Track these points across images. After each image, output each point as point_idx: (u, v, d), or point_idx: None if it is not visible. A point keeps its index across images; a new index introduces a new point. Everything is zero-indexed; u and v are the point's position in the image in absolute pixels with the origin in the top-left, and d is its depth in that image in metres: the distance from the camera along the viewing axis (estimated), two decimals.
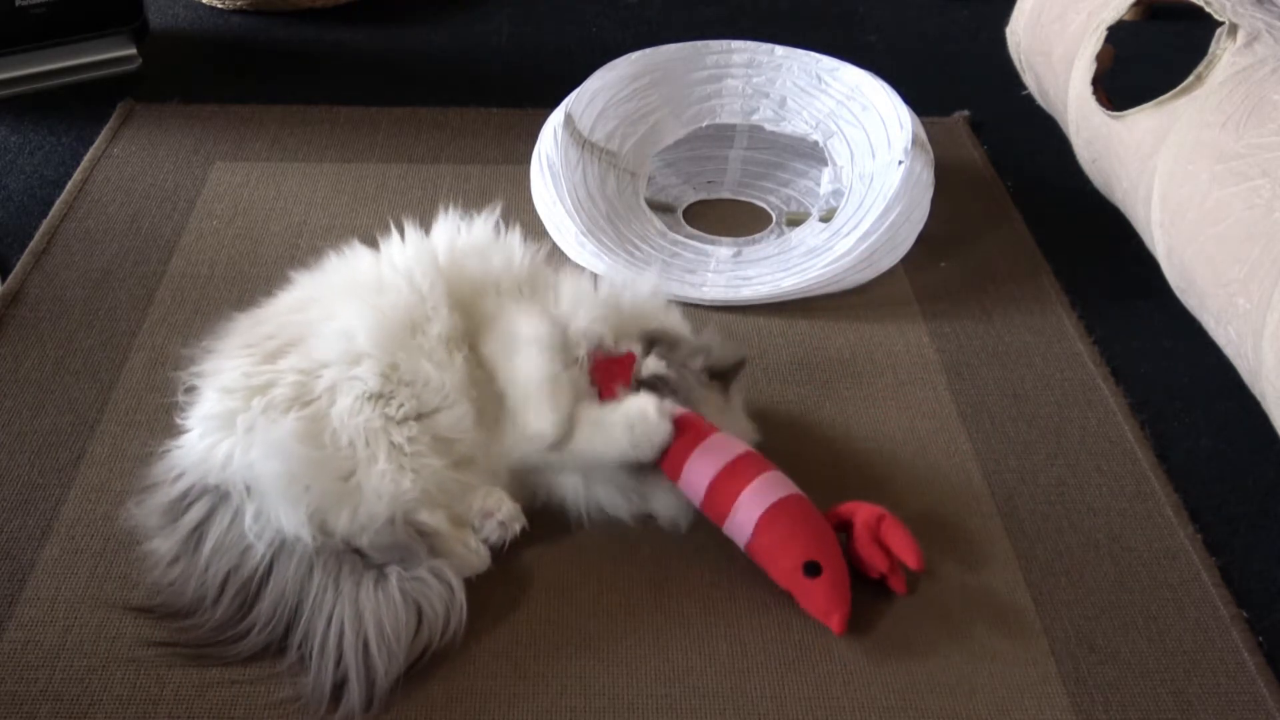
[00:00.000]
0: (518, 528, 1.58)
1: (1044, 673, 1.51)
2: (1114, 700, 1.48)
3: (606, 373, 1.66)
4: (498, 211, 1.79)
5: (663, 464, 1.60)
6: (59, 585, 1.56)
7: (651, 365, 1.68)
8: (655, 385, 1.65)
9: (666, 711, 1.44)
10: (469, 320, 1.66)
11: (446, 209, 1.79)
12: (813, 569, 1.50)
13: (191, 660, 1.46)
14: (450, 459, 1.56)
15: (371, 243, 1.76)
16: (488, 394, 1.62)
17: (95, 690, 1.44)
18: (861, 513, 1.57)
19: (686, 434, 1.60)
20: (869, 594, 1.55)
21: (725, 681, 1.48)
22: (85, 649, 1.48)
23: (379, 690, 1.41)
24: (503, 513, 1.57)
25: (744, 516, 1.55)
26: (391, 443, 1.52)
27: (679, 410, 1.62)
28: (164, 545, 1.53)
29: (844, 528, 1.58)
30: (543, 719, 1.43)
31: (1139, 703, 1.48)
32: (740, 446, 1.60)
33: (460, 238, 1.74)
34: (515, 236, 1.77)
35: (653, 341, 1.71)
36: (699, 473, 1.58)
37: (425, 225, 1.77)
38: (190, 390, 1.61)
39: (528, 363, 1.60)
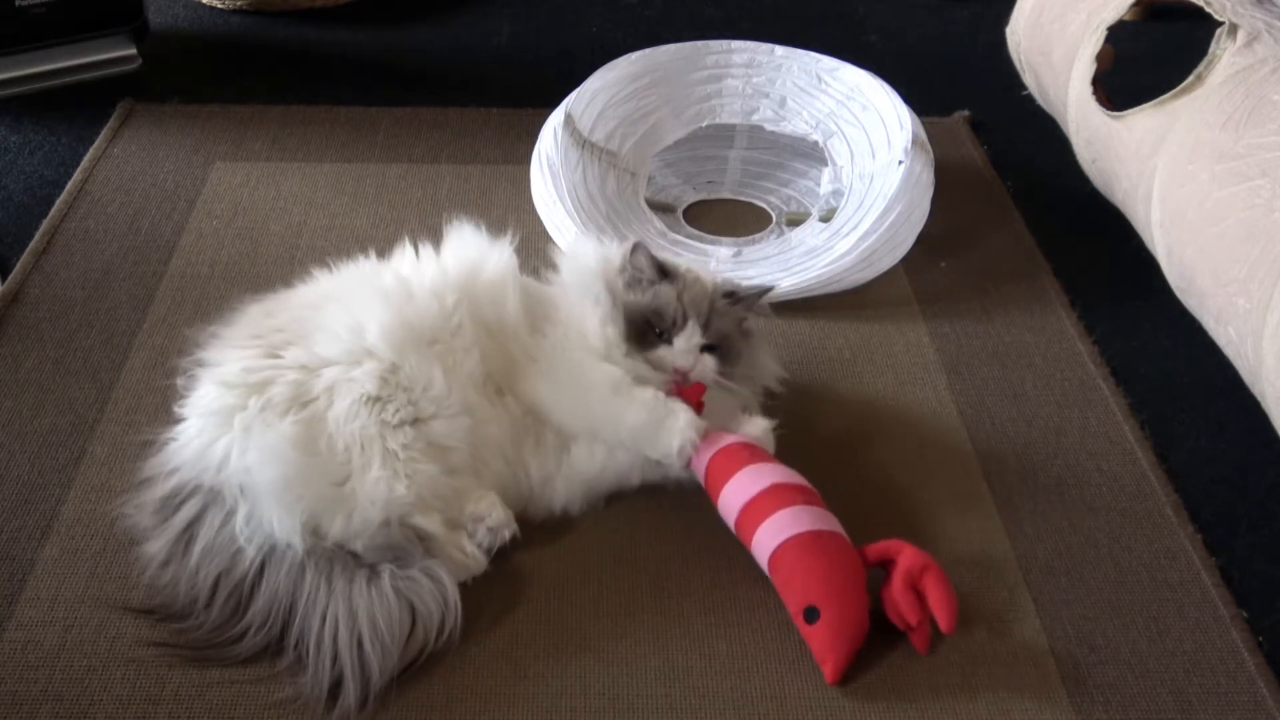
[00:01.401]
0: (507, 534, 1.58)
1: (1044, 673, 1.51)
2: (1114, 700, 1.48)
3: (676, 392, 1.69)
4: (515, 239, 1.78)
5: (707, 487, 1.62)
6: (59, 585, 1.56)
7: (711, 368, 1.70)
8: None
9: (666, 711, 1.44)
10: (492, 348, 1.67)
11: (509, 235, 1.77)
12: (811, 615, 1.48)
13: (191, 661, 1.46)
14: (444, 465, 1.56)
15: (371, 242, 1.76)
16: (512, 422, 1.65)
17: (95, 690, 1.44)
18: (906, 556, 1.51)
19: (726, 462, 1.61)
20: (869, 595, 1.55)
21: (725, 681, 1.48)
22: (85, 649, 1.48)
23: (374, 688, 1.41)
24: (492, 519, 1.57)
25: (759, 553, 1.56)
26: (386, 448, 1.52)
27: (730, 439, 1.64)
28: (154, 547, 1.53)
29: (885, 566, 1.54)
30: (542, 719, 1.43)
31: (1139, 703, 1.48)
32: (773, 477, 1.58)
33: (486, 271, 1.71)
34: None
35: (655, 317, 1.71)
36: (729, 504, 1.59)
37: (436, 230, 1.76)
38: (190, 377, 1.61)
39: (629, 407, 1.63)
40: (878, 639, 1.52)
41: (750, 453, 1.62)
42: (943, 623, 1.47)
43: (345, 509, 1.49)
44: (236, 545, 1.49)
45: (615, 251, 1.78)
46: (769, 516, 1.54)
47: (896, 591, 1.50)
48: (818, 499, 1.58)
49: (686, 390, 1.69)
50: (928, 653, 1.51)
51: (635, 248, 1.73)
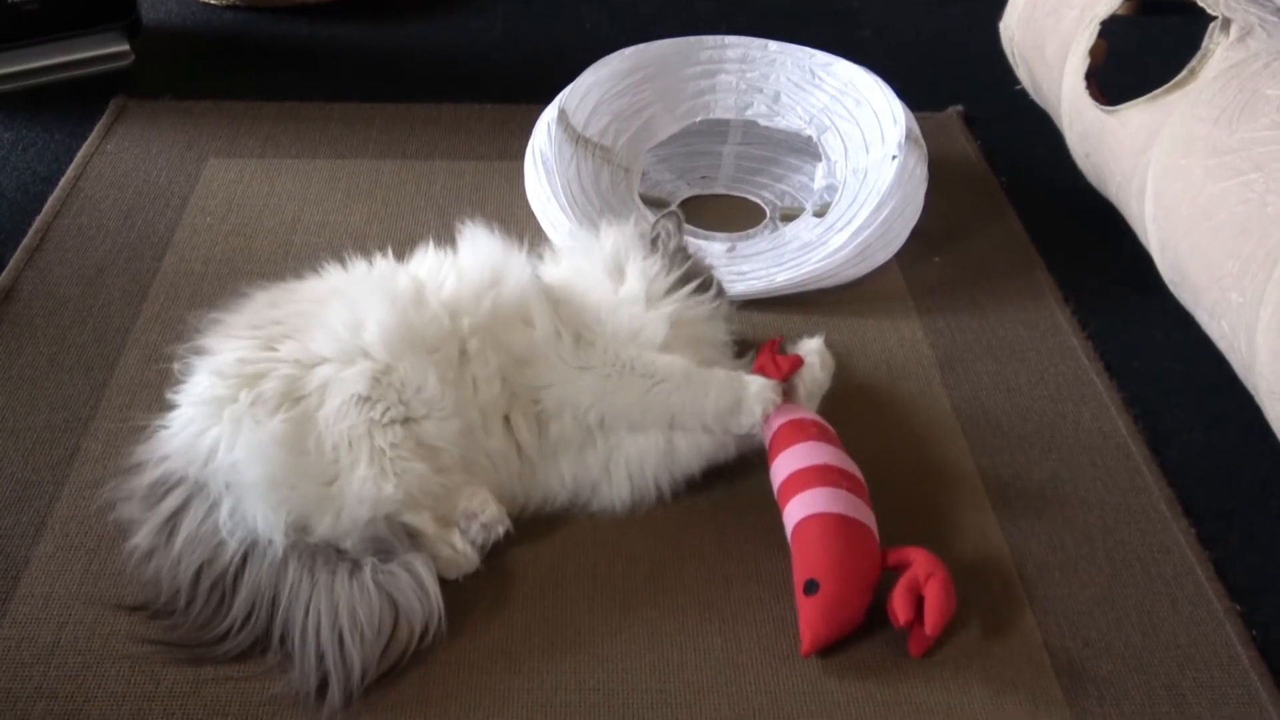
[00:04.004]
0: (501, 530, 1.58)
1: (1038, 666, 1.51)
2: (1108, 694, 1.48)
3: (770, 364, 1.75)
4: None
5: (768, 449, 1.66)
6: (53, 582, 1.56)
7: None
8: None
9: (661, 706, 1.44)
10: (523, 374, 1.66)
11: (523, 244, 1.76)
12: (810, 587, 1.49)
13: (183, 659, 1.46)
14: (434, 464, 1.56)
15: (366, 239, 1.76)
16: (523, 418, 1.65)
17: (90, 687, 1.44)
18: (919, 563, 1.52)
19: (793, 431, 1.65)
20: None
21: (719, 676, 1.48)
22: (80, 646, 1.48)
23: (355, 683, 1.41)
24: (486, 515, 1.57)
25: (788, 520, 1.58)
26: (374, 446, 1.51)
27: (805, 414, 1.69)
28: (138, 538, 1.53)
29: (899, 570, 1.54)
30: (537, 714, 1.43)
31: (1133, 696, 1.48)
32: (828, 459, 1.61)
33: (505, 291, 1.69)
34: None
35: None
36: (780, 468, 1.62)
37: (431, 226, 1.76)
38: (187, 363, 1.60)
39: (706, 393, 1.66)
40: (874, 634, 1.53)
41: (819, 430, 1.66)
42: (928, 624, 1.47)
43: (333, 508, 1.49)
44: (219, 537, 1.49)
45: (611, 238, 1.82)
46: (809, 489, 1.57)
47: (897, 591, 1.50)
48: (864, 492, 1.60)
49: (782, 363, 1.74)
50: (920, 657, 1.51)
51: (669, 217, 1.84)
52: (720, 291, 1.83)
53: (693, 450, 1.69)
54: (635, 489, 1.67)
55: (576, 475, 1.66)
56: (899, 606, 1.49)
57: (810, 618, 1.49)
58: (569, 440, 1.65)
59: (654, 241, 1.80)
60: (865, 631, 1.52)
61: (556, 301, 1.70)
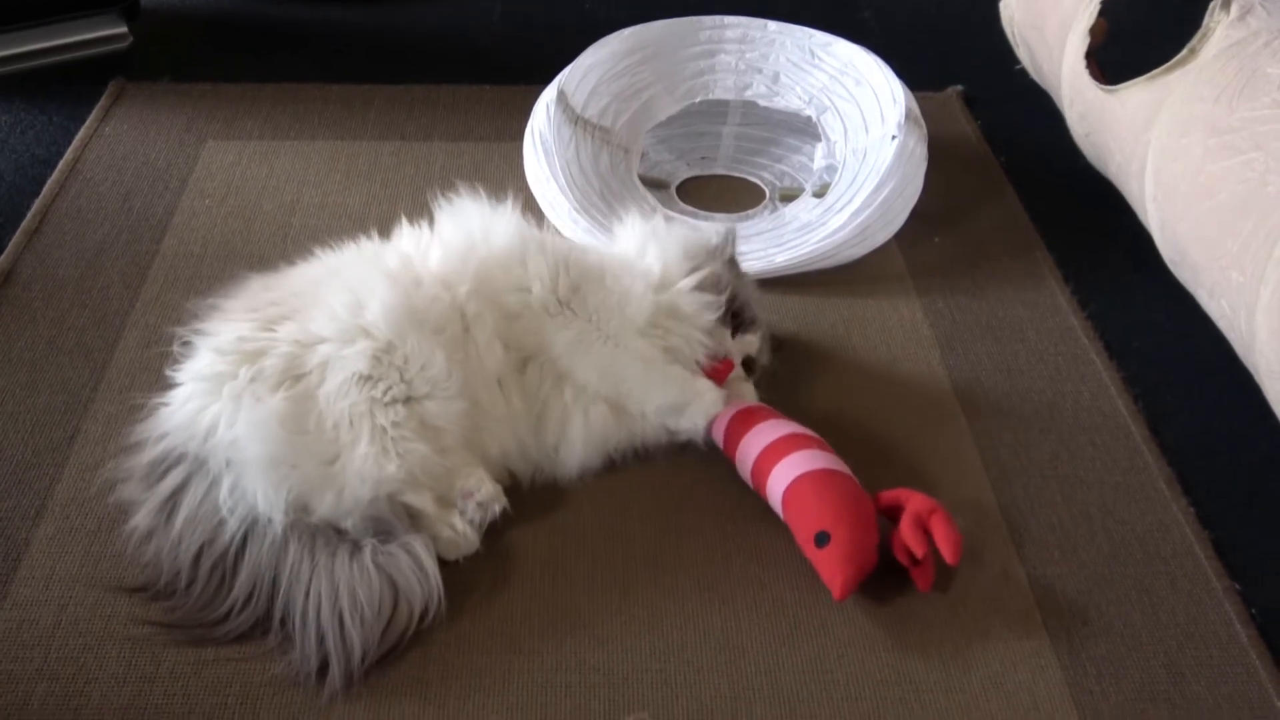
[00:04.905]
0: (497, 509, 1.58)
1: (1037, 645, 1.51)
2: (1107, 672, 1.49)
3: (710, 369, 1.77)
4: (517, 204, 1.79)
5: (724, 446, 1.69)
6: (54, 564, 1.56)
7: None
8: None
9: (661, 686, 1.45)
10: (515, 326, 1.68)
11: (509, 199, 1.78)
12: (822, 539, 1.51)
13: (184, 641, 1.47)
14: (436, 445, 1.56)
15: (365, 220, 1.76)
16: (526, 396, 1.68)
17: (91, 668, 1.44)
18: (915, 501, 1.56)
19: (744, 420, 1.68)
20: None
21: (720, 656, 1.49)
22: (80, 627, 1.49)
23: (355, 664, 1.41)
24: (482, 493, 1.57)
25: (773, 492, 1.60)
26: (375, 425, 1.51)
27: (746, 403, 1.74)
28: (138, 519, 1.53)
29: (893, 513, 1.58)
30: (537, 695, 1.43)
31: (1132, 675, 1.49)
32: (791, 429, 1.65)
33: (495, 244, 1.71)
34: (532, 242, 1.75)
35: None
36: (748, 450, 1.65)
37: (430, 208, 1.76)
38: (187, 345, 1.61)
39: (660, 385, 1.70)
40: (873, 616, 1.53)
41: (769, 412, 1.71)
42: (947, 555, 1.50)
43: (334, 487, 1.49)
44: (219, 516, 1.49)
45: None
46: (786, 457, 1.60)
47: (904, 529, 1.54)
48: (833, 451, 1.64)
49: (719, 368, 1.77)
50: (929, 590, 1.54)
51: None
52: (728, 310, 1.80)
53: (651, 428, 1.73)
54: (594, 457, 1.71)
55: (552, 437, 1.68)
56: (912, 541, 1.52)
57: (835, 564, 1.50)
58: (543, 390, 1.68)
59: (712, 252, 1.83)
60: (864, 610, 1.53)
61: (559, 257, 1.72)
